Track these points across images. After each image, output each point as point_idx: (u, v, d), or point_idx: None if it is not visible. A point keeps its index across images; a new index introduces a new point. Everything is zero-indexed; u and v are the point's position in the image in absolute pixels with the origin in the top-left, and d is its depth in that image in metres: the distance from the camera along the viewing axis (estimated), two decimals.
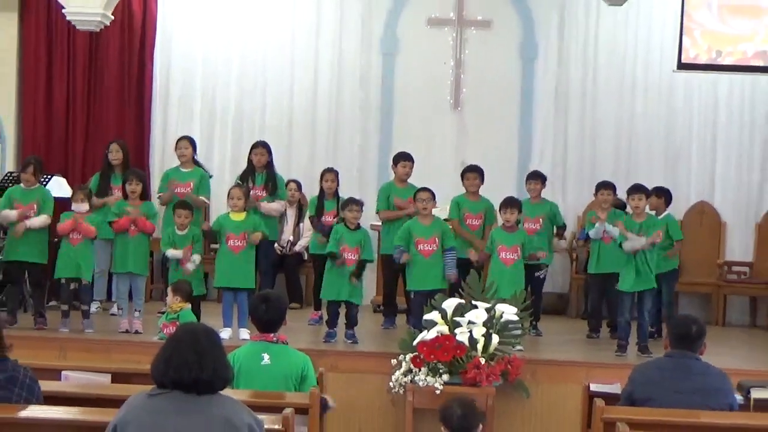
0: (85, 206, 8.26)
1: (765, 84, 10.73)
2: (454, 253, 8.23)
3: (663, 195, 9.20)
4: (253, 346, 5.61)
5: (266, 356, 5.50)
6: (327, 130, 11.04)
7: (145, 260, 8.54)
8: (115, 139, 9.68)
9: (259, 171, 9.05)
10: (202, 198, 9.01)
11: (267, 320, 5.57)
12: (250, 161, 9.10)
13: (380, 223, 9.23)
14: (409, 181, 9.04)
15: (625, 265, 8.06)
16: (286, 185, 9.60)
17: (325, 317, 8.28)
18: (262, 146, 9.14)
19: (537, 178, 9.31)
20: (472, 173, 8.93)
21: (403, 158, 9.09)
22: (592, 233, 8.55)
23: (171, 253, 8.11)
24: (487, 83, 10.91)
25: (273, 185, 9.03)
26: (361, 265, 8.06)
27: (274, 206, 9.06)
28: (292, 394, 5.45)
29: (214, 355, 3.81)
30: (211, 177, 9.30)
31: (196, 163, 9.21)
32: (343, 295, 8.04)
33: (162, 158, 10.86)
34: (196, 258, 8.09)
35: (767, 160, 10.83)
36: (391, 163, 9.29)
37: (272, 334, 5.57)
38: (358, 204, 8.22)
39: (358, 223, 8.19)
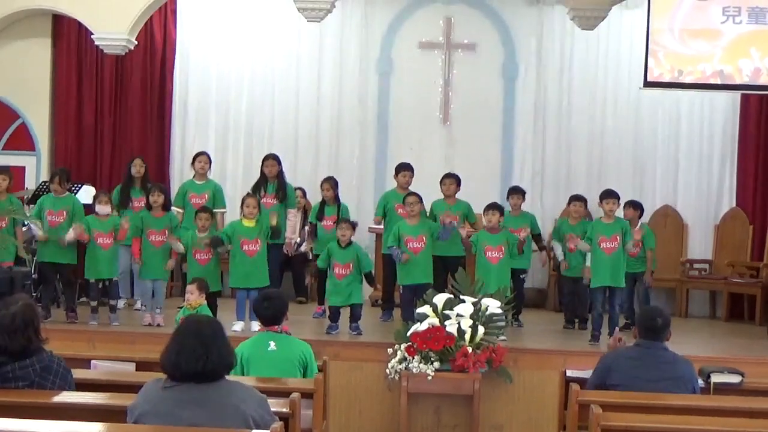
0: (107, 208, 8.25)
1: (722, 100, 10.76)
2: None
3: (638, 208, 9.23)
4: (260, 336, 5.72)
5: (272, 343, 5.61)
6: (329, 142, 11.01)
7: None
8: (138, 155, 9.67)
9: (271, 181, 8.95)
10: (218, 211, 8.96)
11: (269, 315, 5.71)
12: (262, 172, 8.99)
13: (381, 226, 9.15)
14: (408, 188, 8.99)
15: (598, 265, 8.08)
16: None
17: (328, 313, 8.26)
18: (273, 158, 9.03)
19: (517, 192, 9.23)
20: (448, 179, 8.90)
21: (404, 168, 8.98)
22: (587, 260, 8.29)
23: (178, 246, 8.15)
24: (473, 100, 10.90)
25: (283, 194, 8.90)
26: (368, 277, 8.13)
27: (291, 219, 8.98)
28: (297, 380, 5.47)
29: (217, 344, 3.79)
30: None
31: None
32: (340, 301, 8.02)
33: (181, 168, 10.86)
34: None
35: (724, 168, 10.83)
36: (393, 173, 9.17)
37: (276, 326, 5.70)
38: (347, 224, 8.18)
39: (350, 240, 8.13)
